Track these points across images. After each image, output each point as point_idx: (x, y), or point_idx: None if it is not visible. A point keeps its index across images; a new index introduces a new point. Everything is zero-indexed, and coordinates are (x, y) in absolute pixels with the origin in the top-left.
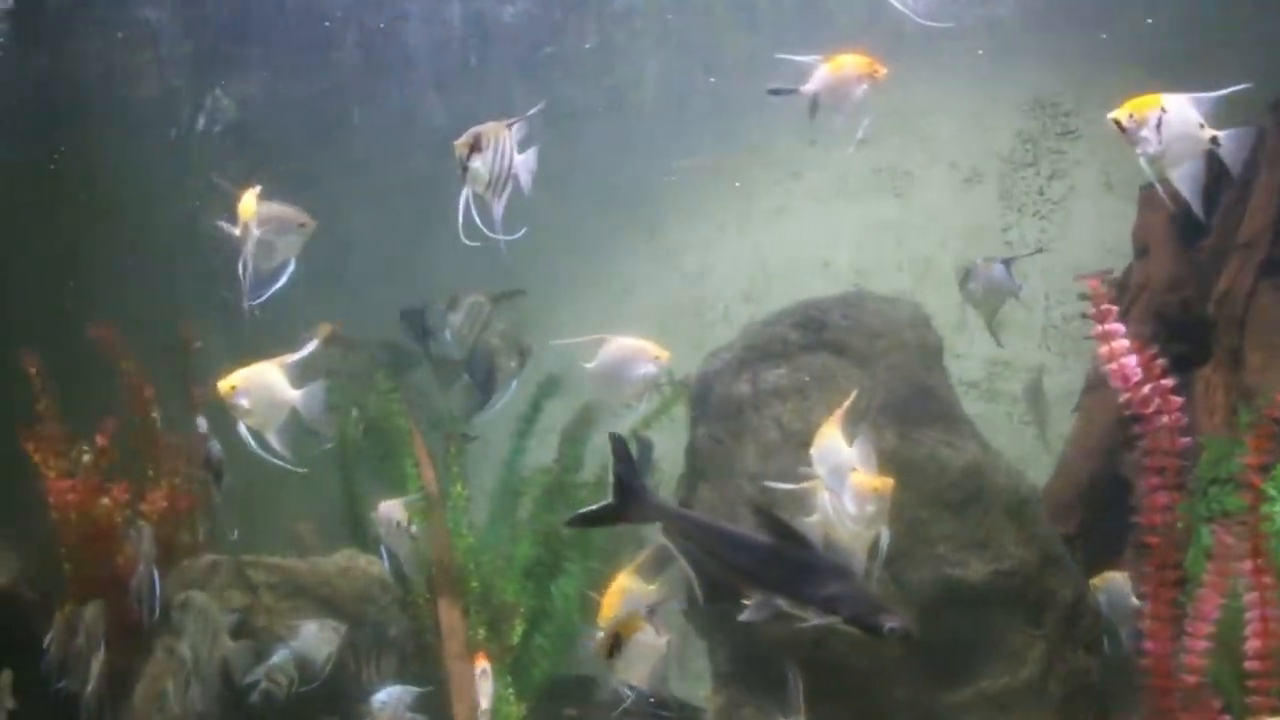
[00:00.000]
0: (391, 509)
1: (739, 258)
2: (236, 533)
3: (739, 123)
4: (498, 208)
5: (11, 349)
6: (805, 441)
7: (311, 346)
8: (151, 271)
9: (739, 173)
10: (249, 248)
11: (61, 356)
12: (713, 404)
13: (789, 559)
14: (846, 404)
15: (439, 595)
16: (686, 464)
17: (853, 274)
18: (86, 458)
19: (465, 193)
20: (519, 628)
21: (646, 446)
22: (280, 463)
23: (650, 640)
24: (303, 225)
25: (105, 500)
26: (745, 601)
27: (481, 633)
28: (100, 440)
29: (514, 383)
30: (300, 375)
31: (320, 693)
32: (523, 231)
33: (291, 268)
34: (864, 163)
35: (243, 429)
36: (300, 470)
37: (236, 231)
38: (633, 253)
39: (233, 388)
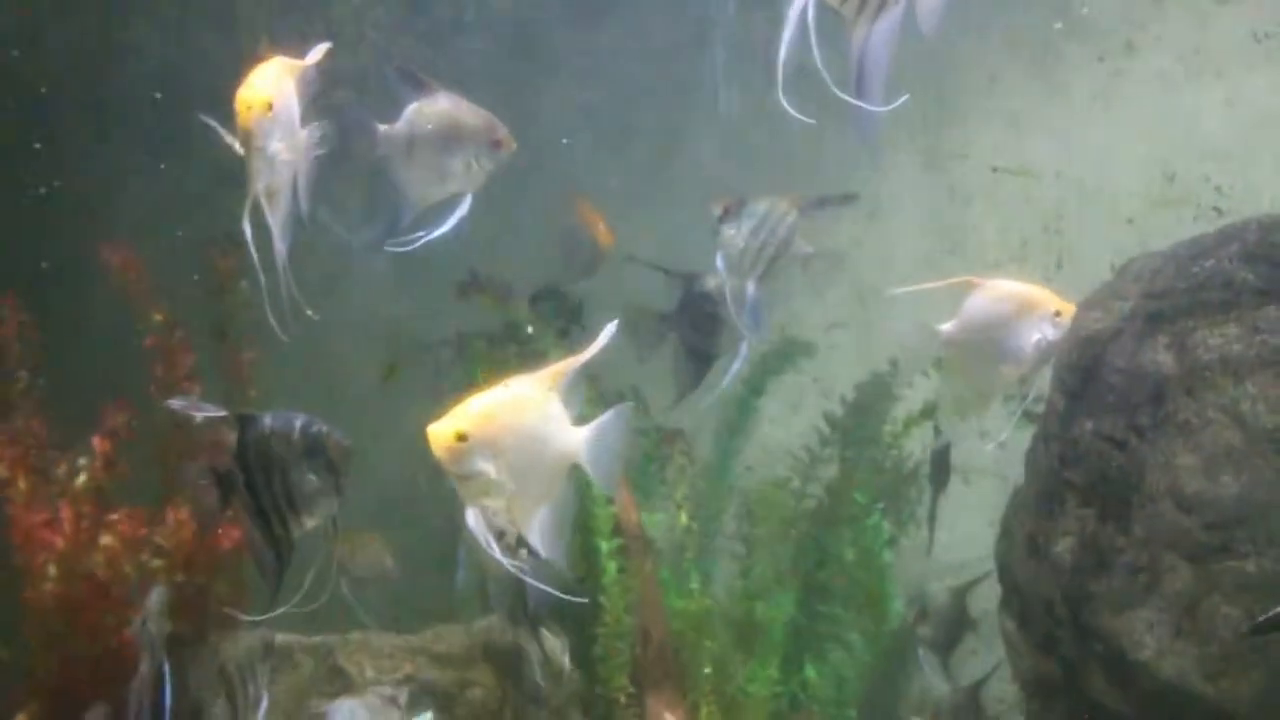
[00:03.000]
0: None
1: (1040, 169)
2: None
3: None
4: (869, 36)
5: None
6: None
7: (613, 330)
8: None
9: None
10: (256, 165)
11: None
12: (1106, 384)
13: None
14: None
15: (646, 688)
16: (1036, 480)
17: (1210, 191)
18: (82, 477)
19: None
20: None
21: (944, 446)
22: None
23: None
24: (497, 144)
25: (107, 540)
26: None
27: None
28: (101, 445)
29: (745, 348)
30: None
31: None
32: (904, 99)
33: (465, 208)
34: (1233, 27)
35: (473, 520)
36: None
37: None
38: (886, 160)
39: (460, 436)
